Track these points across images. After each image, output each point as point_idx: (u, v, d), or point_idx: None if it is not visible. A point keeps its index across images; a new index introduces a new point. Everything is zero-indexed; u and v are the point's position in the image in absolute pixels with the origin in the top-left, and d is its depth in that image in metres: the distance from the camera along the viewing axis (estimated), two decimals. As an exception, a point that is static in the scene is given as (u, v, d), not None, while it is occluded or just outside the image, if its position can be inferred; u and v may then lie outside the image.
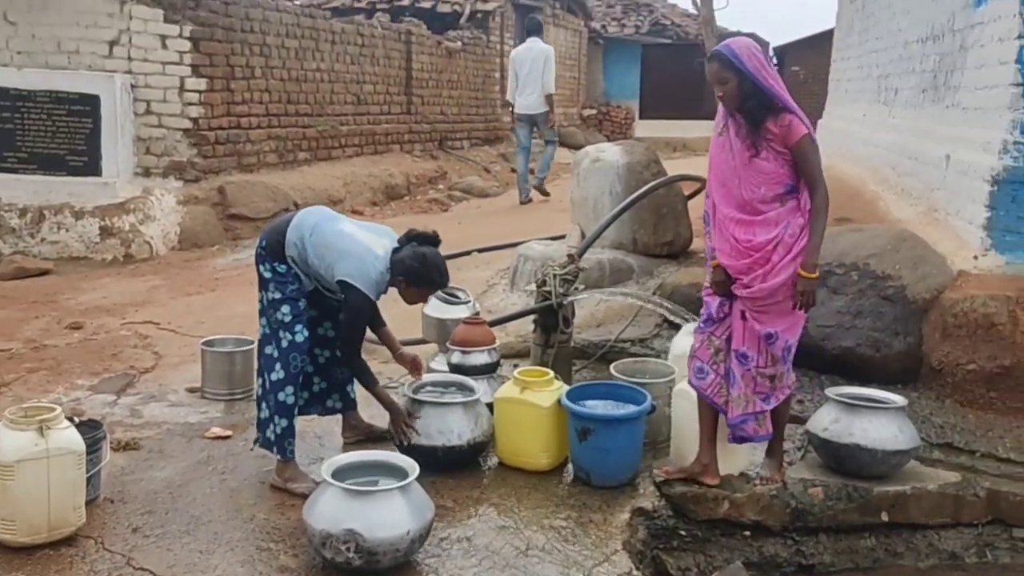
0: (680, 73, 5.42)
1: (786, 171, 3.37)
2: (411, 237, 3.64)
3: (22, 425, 3.08)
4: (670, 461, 3.84)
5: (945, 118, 5.94)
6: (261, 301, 3.67)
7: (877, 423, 3.73)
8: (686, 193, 6.68)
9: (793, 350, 3.54)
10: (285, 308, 3.57)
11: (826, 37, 14.48)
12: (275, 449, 3.62)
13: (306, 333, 3.60)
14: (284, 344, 3.57)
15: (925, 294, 4.60)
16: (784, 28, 53.37)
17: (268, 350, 3.63)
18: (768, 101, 3.32)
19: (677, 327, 4.55)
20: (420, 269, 3.55)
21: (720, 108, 3.50)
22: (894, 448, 3.70)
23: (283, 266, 3.58)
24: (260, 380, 3.70)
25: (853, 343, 4.57)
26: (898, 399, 3.88)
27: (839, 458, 3.77)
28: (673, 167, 7.97)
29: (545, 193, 11.23)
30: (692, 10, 5.22)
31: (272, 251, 3.59)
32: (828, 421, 3.80)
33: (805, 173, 3.36)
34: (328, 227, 3.58)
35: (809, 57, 22.11)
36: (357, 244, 3.53)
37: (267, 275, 3.60)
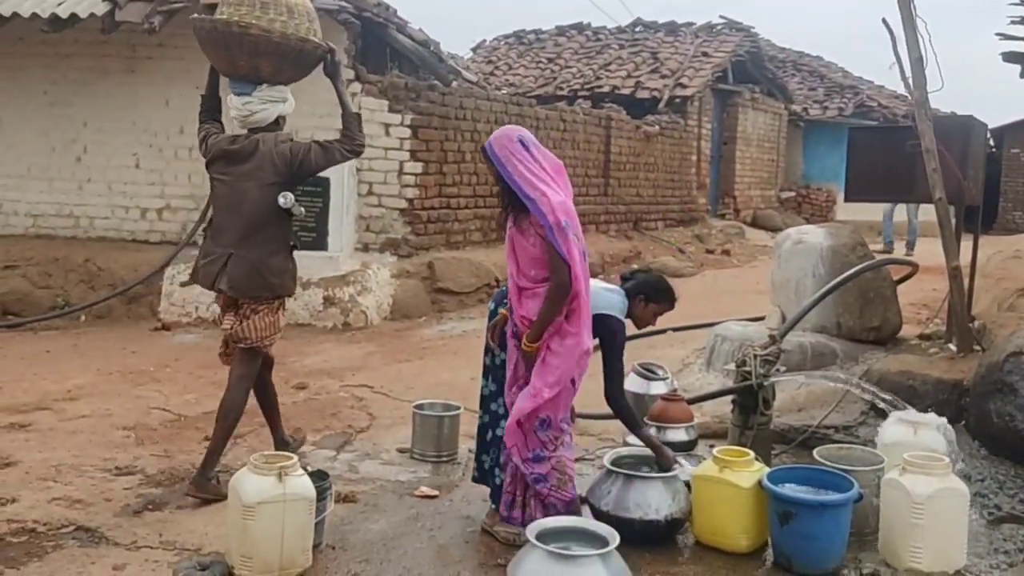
0: (889, 155, 5.24)
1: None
2: (632, 272, 4.11)
3: (264, 470, 3.43)
4: (879, 554, 3.69)
5: None
6: (493, 362, 3.98)
7: (1116, 530, 3.44)
8: (896, 278, 6.47)
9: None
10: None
11: (1052, 117, 13.60)
12: (491, 496, 3.93)
13: None
14: None
15: None
16: (1004, 108, 50.18)
17: (494, 407, 3.95)
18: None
19: (885, 415, 4.40)
20: (658, 285, 4.06)
21: None
22: None
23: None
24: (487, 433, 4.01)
25: (1086, 442, 4.23)
26: None
27: (1071, 565, 3.50)
28: (880, 251, 7.72)
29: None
30: (902, 91, 5.10)
31: None
32: (1057, 524, 3.55)
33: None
34: None
35: (1032, 138, 20.76)
36: (590, 284, 3.87)
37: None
